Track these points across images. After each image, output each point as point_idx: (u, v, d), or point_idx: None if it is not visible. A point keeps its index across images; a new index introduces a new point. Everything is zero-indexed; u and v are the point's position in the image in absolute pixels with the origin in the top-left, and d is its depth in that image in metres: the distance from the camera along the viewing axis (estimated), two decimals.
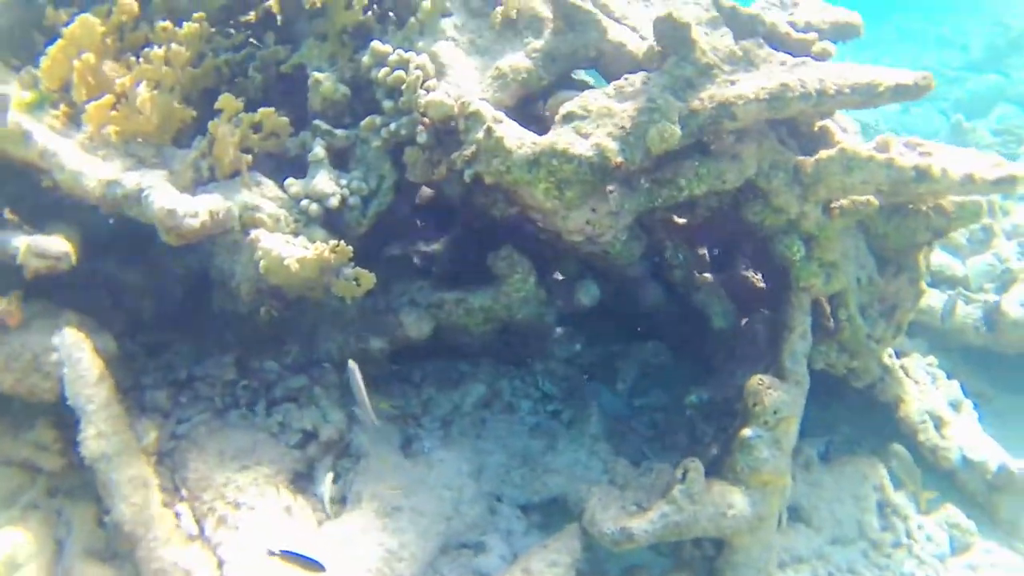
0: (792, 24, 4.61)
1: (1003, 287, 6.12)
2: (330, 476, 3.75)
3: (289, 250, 3.63)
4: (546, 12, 4.26)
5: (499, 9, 4.31)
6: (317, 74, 4.09)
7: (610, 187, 3.92)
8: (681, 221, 4.74)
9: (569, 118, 3.82)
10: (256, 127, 4.00)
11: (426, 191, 4.68)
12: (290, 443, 3.84)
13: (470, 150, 3.72)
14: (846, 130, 4.76)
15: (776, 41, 4.23)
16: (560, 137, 3.72)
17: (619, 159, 3.68)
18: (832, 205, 4.20)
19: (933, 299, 6.02)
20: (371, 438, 3.92)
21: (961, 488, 5.03)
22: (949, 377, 5.91)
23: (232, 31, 4.42)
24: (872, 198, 4.18)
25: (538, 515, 4.07)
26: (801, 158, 4.08)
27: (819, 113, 4.27)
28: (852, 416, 5.31)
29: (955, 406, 5.37)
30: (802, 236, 4.21)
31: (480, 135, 3.72)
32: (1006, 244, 6.51)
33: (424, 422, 4.38)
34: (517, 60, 4.16)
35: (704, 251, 5.13)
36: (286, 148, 4.10)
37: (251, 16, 4.61)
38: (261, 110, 4.00)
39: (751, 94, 3.75)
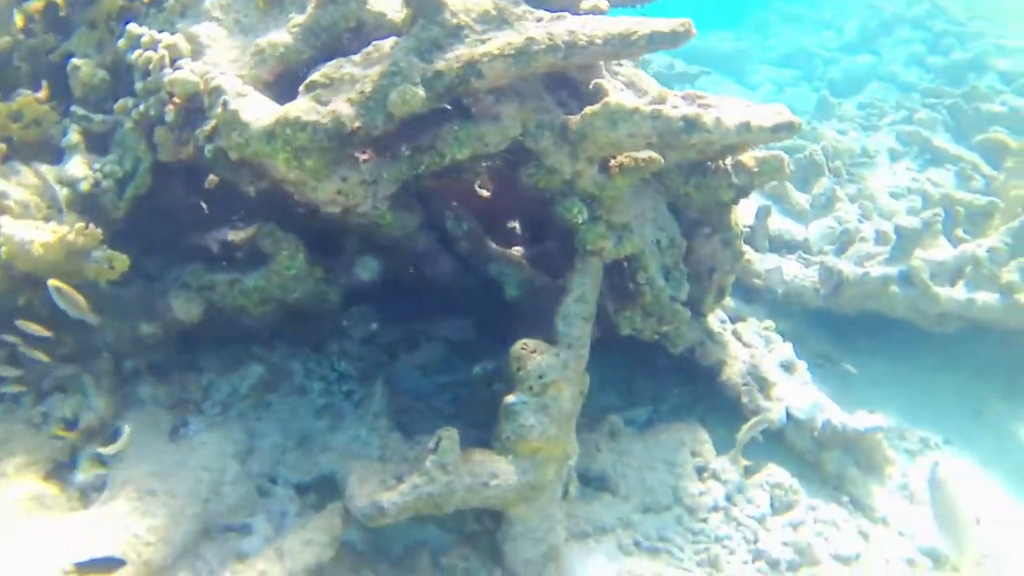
0: None
1: (842, 248, 6.14)
2: (89, 463, 3.66)
3: (32, 234, 3.54)
4: None
5: None
6: (75, 60, 4.02)
7: (364, 156, 3.85)
8: (470, 192, 4.67)
9: (312, 87, 3.75)
10: (16, 116, 3.92)
11: (213, 176, 4.60)
12: (52, 432, 3.74)
13: (210, 125, 3.65)
14: (645, 90, 4.70)
15: (549, 2, 4.19)
16: (295, 106, 3.64)
17: (356, 124, 3.61)
18: (612, 163, 4.15)
19: (770, 262, 6.04)
20: (138, 425, 3.83)
21: (790, 448, 5.00)
22: (790, 341, 5.94)
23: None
24: (655, 155, 4.13)
25: (314, 495, 3.97)
26: (568, 116, 4.03)
27: (581, 66, 4.19)
28: (679, 383, 5.29)
29: (787, 368, 5.36)
30: (583, 198, 4.15)
31: (219, 109, 3.65)
32: (848, 207, 6.55)
33: (204, 407, 4.26)
34: (276, 36, 4.08)
35: (515, 224, 5.10)
36: (50, 136, 4.02)
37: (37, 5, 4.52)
38: (19, 98, 3.91)
39: (496, 50, 3.68)
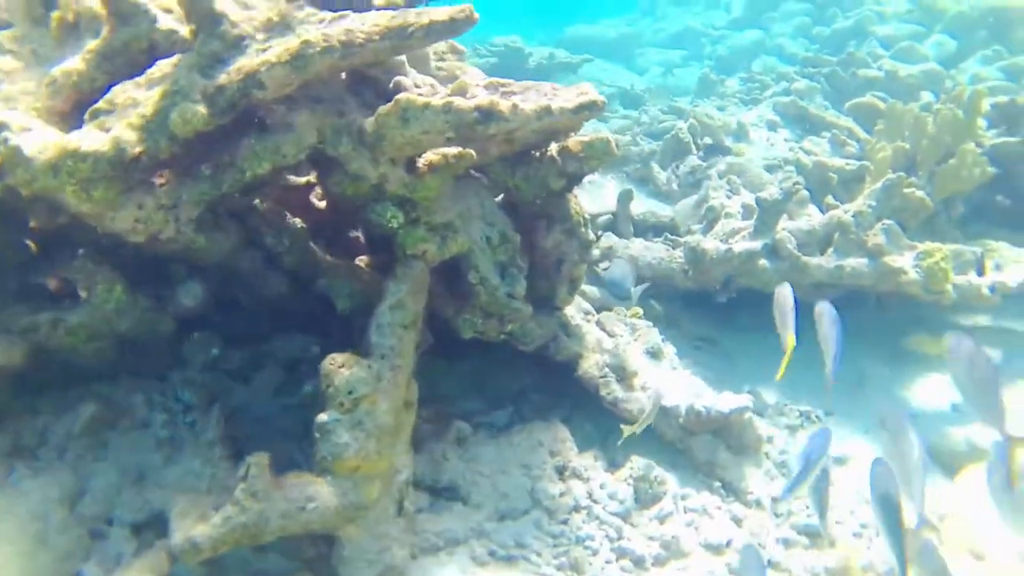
0: None
1: (709, 227, 6.01)
2: None
3: None
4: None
5: (54, 15, 4.03)
6: None
7: (161, 180, 3.64)
8: (306, 203, 4.46)
9: (96, 114, 3.56)
10: None
11: None
12: None
13: None
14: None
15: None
16: (77, 135, 3.45)
17: (139, 149, 3.43)
18: (420, 163, 3.95)
19: (636, 248, 5.88)
20: None
21: (661, 437, 4.85)
22: (669, 326, 5.80)
23: None
24: (465, 151, 3.95)
25: (152, 533, 3.72)
26: (366, 119, 3.81)
27: (376, 64, 4.00)
28: (543, 382, 5.10)
29: (654, 354, 5.20)
30: (396, 201, 3.94)
31: (1, 147, 3.40)
32: (716, 183, 6.43)
33: (40, 452, 4.01)
34: (69, 63, 3.86)
35: (358, 233, 4.86)
36: None
37: None
38: None
39: (274, 58, 3.48)
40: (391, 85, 4.08)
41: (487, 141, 3.90)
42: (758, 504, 4.64)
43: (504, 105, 3.64)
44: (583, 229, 4.74)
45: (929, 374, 5.86)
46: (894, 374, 5.93)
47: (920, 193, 5.90)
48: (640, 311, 5.62)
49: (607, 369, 4.85)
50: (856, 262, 5.61)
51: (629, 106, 11.00)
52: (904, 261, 5.51)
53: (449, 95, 3.82)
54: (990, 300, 5.62)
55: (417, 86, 4.12)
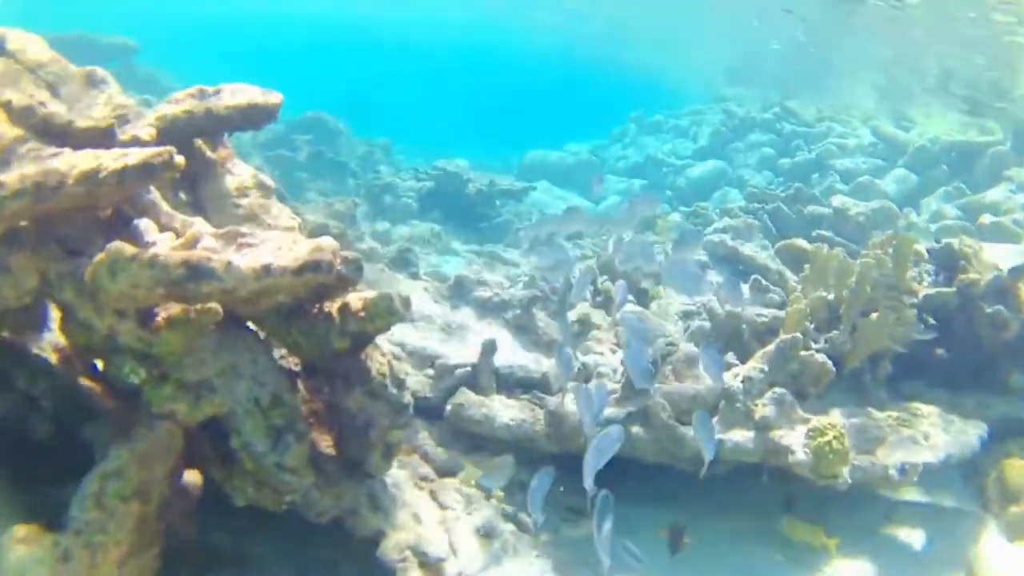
0: (211, 111, 3.98)
1: None
2: None
3: None
4: None
5: None
6: None
7: None
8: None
9: None
10: None
11: None
12: None
13: None
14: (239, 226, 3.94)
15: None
16: None
17: None
18: (159, 317, 3.32)
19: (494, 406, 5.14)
20: None
21: None
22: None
23: None
24: (209, 306, 3.31)
25: None
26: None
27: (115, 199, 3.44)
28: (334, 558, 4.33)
29: (488, 533, 4.45)
30: (138, 356, 3.33)
31: None
32: (609, 335, 5.71)
33: None
34: None
35: None
36: None
37: None
38: None
39: None
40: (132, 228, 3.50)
41: (203, 299, 3.26)
42: None
43: (218, 262, 3.02)
44: (392, 391, 4.08)
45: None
46: (790, 563, 5.05)
47: (820, 357, 5.16)
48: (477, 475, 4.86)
49: (408, 552, 4.07)
50: (741, 436, 4.85)
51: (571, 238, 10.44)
52: (793, 438, 4.74)
53: (174, 246, 3.20)
54: (896, 485, 4.81)
55: (162, 230, 3.52)
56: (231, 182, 4.24)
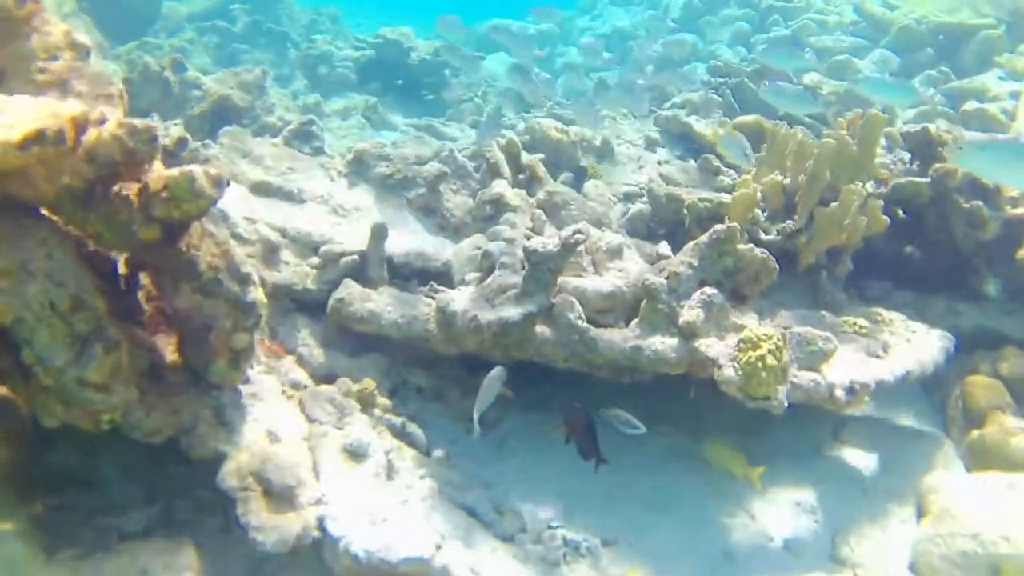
0: None
1: (483, 278, 4.53)
2: None
3: None
4: None
5: None
6: None
7: None
8: None
9: None
10: None
11: None
12: None
13: None
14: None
15: None
16: None
17: None
18: None
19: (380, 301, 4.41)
20: None
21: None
22: (431, 403, 4.38)
23: None
24: None
25: None
26: None
27: None
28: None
29: (357, 453, 3.80)
30: None
31: None
32: (521, 218, 4.90)
33: None
34: None
35: None
36: None
37: None
38: None
39: None
40: None
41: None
42: None
43: None
44: (231, 286, 3.37)
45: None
46: (710, 487, 4.45)
47: (760, 251, 4.41)
48: (372, 384, 4.19)
49: (251, 478, 3.42)
50: (663, 343, 4.15)
51: (523, 110, 9.54)
52: (721, 349, 4.04)
53: None
54: (844, 407, 4.15)
55: None
56: (37, 42, 3.42)
